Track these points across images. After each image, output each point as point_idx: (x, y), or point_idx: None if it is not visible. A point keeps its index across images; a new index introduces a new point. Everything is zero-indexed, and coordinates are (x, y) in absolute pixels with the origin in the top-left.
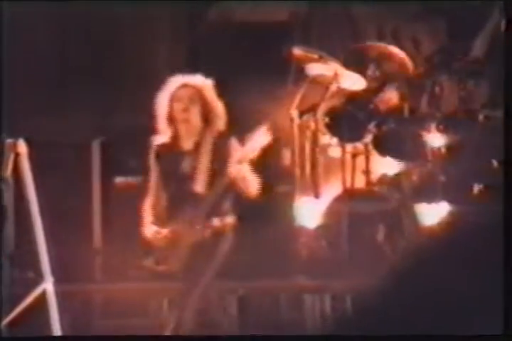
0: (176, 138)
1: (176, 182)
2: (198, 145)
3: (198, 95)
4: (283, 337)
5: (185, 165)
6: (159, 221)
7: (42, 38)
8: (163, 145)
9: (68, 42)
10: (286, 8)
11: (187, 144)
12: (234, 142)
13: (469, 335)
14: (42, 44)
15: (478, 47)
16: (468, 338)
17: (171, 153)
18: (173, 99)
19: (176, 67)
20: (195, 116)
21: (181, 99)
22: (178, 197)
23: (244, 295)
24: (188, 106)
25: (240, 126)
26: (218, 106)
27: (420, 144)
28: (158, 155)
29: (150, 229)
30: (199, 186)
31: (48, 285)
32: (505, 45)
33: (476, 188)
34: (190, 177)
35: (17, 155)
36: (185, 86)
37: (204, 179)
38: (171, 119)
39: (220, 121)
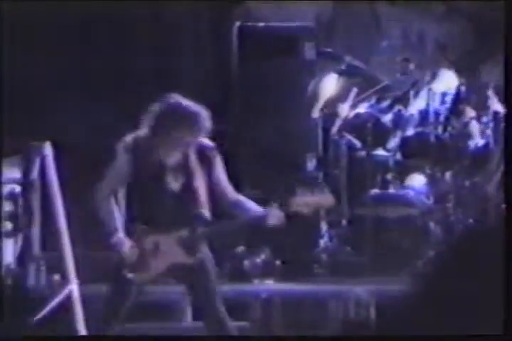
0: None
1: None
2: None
3: None
4: (287, 337)
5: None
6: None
7: (62, 41)
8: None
9: (91, 46)
10: (311, 10)
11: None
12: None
13: (469, 335)
14: (62, 47)
15: None
16: (468, 338)
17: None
18: None
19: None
20: None
21: None
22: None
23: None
24: None
25: (258, 127)
26: None
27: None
28: None
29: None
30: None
31: (74, 288)
32: (505, 45)
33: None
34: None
35: (43, 157)
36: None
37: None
38: None
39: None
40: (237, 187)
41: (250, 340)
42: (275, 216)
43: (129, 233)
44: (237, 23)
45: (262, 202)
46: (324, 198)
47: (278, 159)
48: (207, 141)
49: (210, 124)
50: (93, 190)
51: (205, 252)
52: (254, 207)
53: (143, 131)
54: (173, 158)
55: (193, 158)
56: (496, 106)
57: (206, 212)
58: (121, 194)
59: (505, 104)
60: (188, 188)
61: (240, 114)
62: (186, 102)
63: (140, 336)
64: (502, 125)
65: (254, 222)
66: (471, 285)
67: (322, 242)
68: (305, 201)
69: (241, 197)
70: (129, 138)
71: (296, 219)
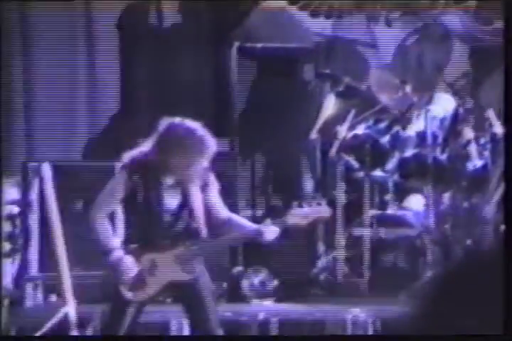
0: None
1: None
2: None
3: None
4: (285, 337)
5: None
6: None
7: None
8: None
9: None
10: (310, 31)
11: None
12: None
13: (469, 335)
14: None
15: None
16: (468, 338)
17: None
18: None
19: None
20: None
21: None
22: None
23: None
24: None
25: (256, 148)
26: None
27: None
28: None
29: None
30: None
31: (71, 309)
32: (505, 45)
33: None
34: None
35: (41, 178)
36: None
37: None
38: None
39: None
40: (234, 207)
41: (251, 340)
42: (270, 231)
43: (126, 251)
44: (236, 44)
45: (258, 220)
46: (320, 209)
47: (276, 180)
48: (203, 160)
49: (213, 147)
50: (90, 208)
51: (202, 271)
52: (248, 223)
53: (142, 150)
54: (170, 178)
55: (189, 177)
56: (494, 127)
57: (202, 230)
58: (118, 212)
59: (505, 105)
60: (185, 207)
61: (239, 135)
62: (189, 124)
63: (140, 336)
64: (502, 144)
65: (249, 238)
66: (470, 285)
67: (320, 263)
68: (301, 213)
69: (235, 215)
70: (127, 157)
71: (294, 237)
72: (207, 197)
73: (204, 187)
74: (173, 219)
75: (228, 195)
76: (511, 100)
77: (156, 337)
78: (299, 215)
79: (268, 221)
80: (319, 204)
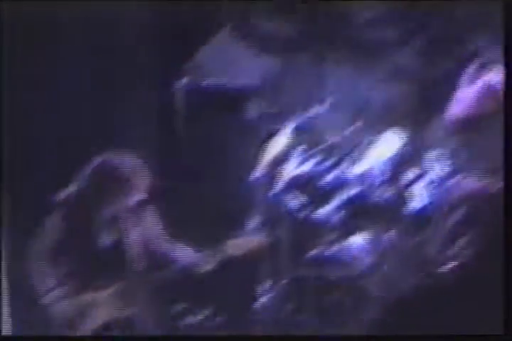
0: None
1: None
2: None
3: None
4: (283, 337)
5: None
6: None
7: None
8: None
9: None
10: (258, 68)
11: None
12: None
13: (469, 335)
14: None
15: None
16: (468, 338)
17: None
18: None
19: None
20: None
21: None
22: None
23: None
24: None
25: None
26: None
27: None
28: None
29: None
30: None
31: None
32: (505, 46)
33: None
34: None
35: None
36: None
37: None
38: None
39: None
40: (173, 239)
41: (251, 340)
42: (208, 261)
43: (64, 289)
44: (184, 80)
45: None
46: (258, 240)
47: (220, 219)
48: (142, 194)
49: (147, 181)
50: (26, 248)
51: (142, 306)
52: (187, 254)
53: (77, 186)
54: (107, 213)
55: (127, 211)
56: (438, 168)
57: (141, 265)
58: (56, 250)
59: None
60: (123, 242)
61: (184, 171)
62: (122, 159)
63: (140, 336)
64: (445, 184)
65: (188, 270)
66: (471, 285)
67: (263, 300)
68: (238, 243)
69: (175, 247)
70: (62, 194)
71: (235, 272)
72: (144, 230)
73: (141, 221)
74: (111, 255)
75: (168, 227)
76: (511, 102)
77: (156, 337)
78: (235, 246)
79: (206, 251)
80: (257, 235)
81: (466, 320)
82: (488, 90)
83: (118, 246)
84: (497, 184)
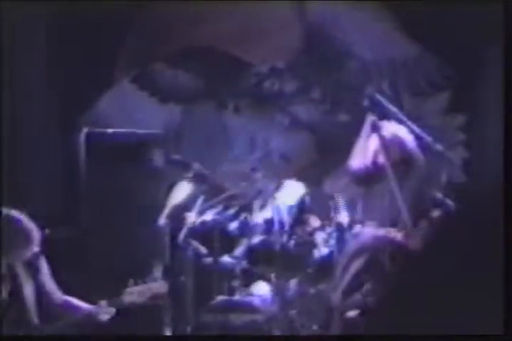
0: None
1: None
2: None
3: None
4: (283, 337)
5: None
6: None
7: None
8: None
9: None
10: (159, 117)
11: None
12: None
13: (469, 335)
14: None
15: None
16: (468, 338)
17: None
18: None
19: None
20: None
21: None
22: None
23: None
24: None
25: (104, 233)
26: None
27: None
28: None
29: None
30: None
31: None
32: (505, 45)
33: None
34: None
35: None
36: None
37: None
38: None
39: None
40: (70, 289)
41: (251, 340)
42: (106, 312)
43: None
44: (85, 130)
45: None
46: (157, 285)
47: (124, 266)
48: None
49: (38, 235)
50: None
51: None
52: (83, 305)
53: None
54: (4, 265)
55: (19, 266)
56: (339, 217)
57: (35, 317)
58: None
59: (504, 104)
60: (16, 296)
61: (87, 221)
62: (14, 214)
63: (140, 336)
64: (346, 233)
65: (85, 321)
66: (470, 284)
67: None
68: (137, 290)
69: (69, 298)
70: None
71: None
72: (39, 282)
73: (35, 273)
74: (6, 307)
75: (63, 276)
76: (511, 103)
77: (156, 337)
78: (135, 293)
79: (103, 302)
80: (155, 280)
81: (466, 320)
82: (387, 142)
83: (14, 299)
84: (396, 233)
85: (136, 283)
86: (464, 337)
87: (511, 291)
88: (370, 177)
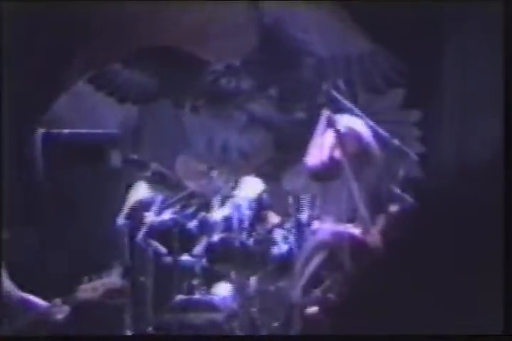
0: None
1: None
2: None
3: None
4: (283, 337)
5: None
6: None
7: None
8: None
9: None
10: (116, 117)
11: None
12: None
13: (469, 335)
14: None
15: None
16: (468, 338)
17: None
18: None
19: None
20: None
21: None
22: None
23: None
24: None
25: (64, 234)
26: None
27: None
28: None
29: None
30: None
31: None
32: (505, 45)
33: None
34: None
35: None
36: None
37: None
38: None
39: None
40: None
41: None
42: (59, 310)
43: None
44: (42, 130)
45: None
46: (111, 281)
47: (82, 266)
48: None
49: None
50: None
51: None
52: (39, 303)
53: None
54: None
55: None
56: (297, 213)
57: None
58: None
59: (504, 103)
60: None
61: (45, 221)
62: None
63: (101, 336)
64: (306, 229)
65: (41, 318)
66: (470, 284)
67: None
68: (91, 286)
69: (25, 295)
70: None
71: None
72: None
73: None
74: None
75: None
76: (510, 102)
77: (157, 337)
78: (89, 289)
79: (57, 300)
80: (109, 275)
81: (466, 320)
82: (344, 136)
83: None
84: (355, 229)
85: (90, 280)
86: (464, 337)
87: (511, 291)
88: (328, 172)
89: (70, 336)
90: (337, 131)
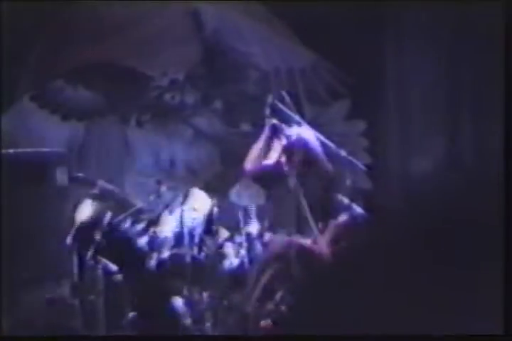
0: None
1: None
2: None
3: None
4: (278, 336)
5: None
6: None
7: None
8: None
9: None
10: (62, 135)
11: None
12: None
13: (469, 335)
14: None
15: None
16: (468, 338)
17: None
18: None
19: None
20: None
21: None
22: None
23: None
24: None
25: (12, 256)
26: None
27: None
28: None
29: None
30: None
31: None
32: (505, 46)
33: None
34: None
35: None
36: None
37: None
38: None
39: None
40: None
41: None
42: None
43: None
44: None
45: None
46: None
47: (32, 286)
48: None
49: None
50: None
51: None
52: None
53: None
54: None
55: None
56: (248, 227)
57: None
58: None
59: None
60: None
61: None
62: None
63: (140, 336)
64: (257, 242)
65: None
66: (470, 284)
67: None
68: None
69: None
70: None
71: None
72: None
73: None
74: None
75: None
76: (511, 101)
77: (157, 337)
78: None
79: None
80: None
81: (466, 320)
82: (291, 143)
83: None
84: (304, 239)
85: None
86: (464, 337)
87: (511, 291)
88: (274, 181)
89: (70, 336)
90: (283, 138)
